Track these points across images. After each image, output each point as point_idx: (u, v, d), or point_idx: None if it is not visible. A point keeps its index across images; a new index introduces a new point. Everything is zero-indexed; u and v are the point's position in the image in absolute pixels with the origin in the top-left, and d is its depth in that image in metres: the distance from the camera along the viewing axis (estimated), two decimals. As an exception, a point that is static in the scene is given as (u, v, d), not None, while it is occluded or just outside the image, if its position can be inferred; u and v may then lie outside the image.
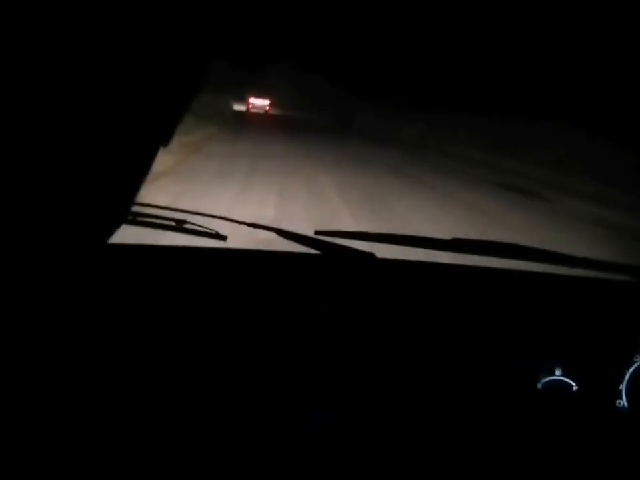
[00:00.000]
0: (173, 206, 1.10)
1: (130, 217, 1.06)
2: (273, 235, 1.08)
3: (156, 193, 5.89)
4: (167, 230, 1.06)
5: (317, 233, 1.08)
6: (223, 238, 1.08)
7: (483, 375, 0.92)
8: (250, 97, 31.67)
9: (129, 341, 0.89)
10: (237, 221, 1.11)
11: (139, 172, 0.59)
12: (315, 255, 1.05)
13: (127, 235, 1.22)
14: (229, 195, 6.19)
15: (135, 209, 1.08)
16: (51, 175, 0.50)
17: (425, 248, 1.06)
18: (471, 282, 1.08)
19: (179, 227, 1.07)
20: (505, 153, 13.97)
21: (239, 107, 29.10)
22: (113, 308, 0.92)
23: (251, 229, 1.11)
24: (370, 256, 1.05)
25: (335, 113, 31.83)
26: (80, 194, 0.55)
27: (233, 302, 0.96)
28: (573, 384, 0.93)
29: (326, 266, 1.07)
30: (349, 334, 0.94)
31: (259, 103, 31.68)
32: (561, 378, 0.93)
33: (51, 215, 0.54)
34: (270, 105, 32.15)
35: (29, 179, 0.48)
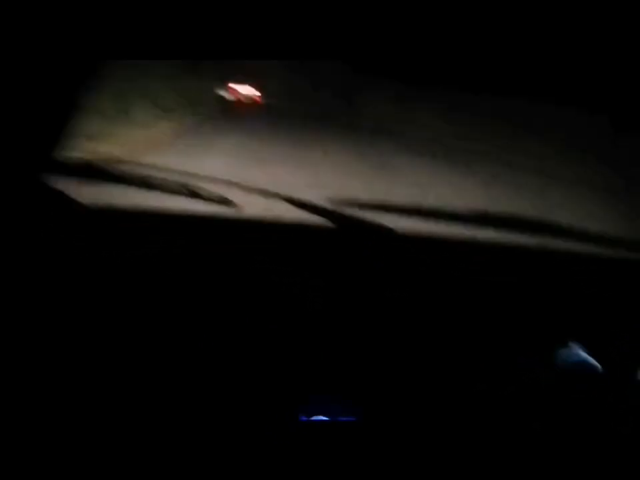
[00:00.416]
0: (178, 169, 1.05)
1: (134, 179, 1.00)
2: (285, 203, 1.03)
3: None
4: (175, 195, 1.01)
5: (331, 201, 1.03)
6: (233, 205, 1.03)
7: (499, 348, 0.90)
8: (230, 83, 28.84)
9: (123, 307, 0.86)
10: (248, 188, 1.06)
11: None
12: (329, 226, 1.00)
13: (130, 197, 1.18)
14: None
15: (139, 170, 1.02)
16: None
17: (444, 220, 1.03)
18: (487, 256, 1.05)
19: (188, 192, 1.01)
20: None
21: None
22: (112, 271, 0.88)
23: (263, 196, 1.06)
24: (386, 229, 1.01)
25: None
26: None
27: (241, 275, 0.92)
28: (589, 358, 0.90)
29: (339, 236, 1.02)
30: (363, 311, 0.90)
31: (246, 91, 28.47)
32: (577, 352, 0.90)
33: None
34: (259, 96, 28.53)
35: None
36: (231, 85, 28.13)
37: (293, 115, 15.73)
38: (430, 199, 5.27)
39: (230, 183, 1.06)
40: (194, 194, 1.01)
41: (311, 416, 0.83)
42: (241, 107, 24.08)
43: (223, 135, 8.53)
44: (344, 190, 5.03)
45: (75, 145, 0.90)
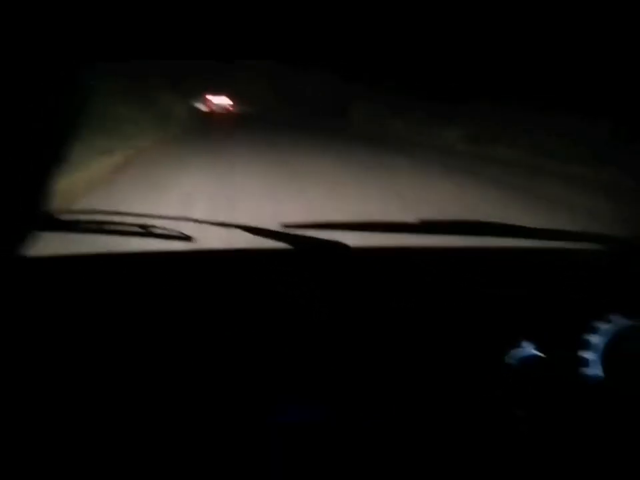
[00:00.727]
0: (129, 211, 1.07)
1: (92, 227, 1.03)
2: (240, 231, 1.06)
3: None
4: (132, 236, 1.03)
5: (285, 226, 1.06)
6: (189, 239, 1.06)
7: (452, 351, 0.93)
8: (206, 95, 28.25)
9: (101, 351, 0.87)
10: (202, 221, 1.09)
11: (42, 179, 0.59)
12: (285, 248, 1.03)
13: (87, 243, 1.20)
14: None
15: (95, 217, 1.05)
16: None
17: (394, 232, 1.06)
18: (439, 262, 1.08)
19: (144, 231, 1.04)
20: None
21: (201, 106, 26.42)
22: (83, 317, 0.90)
23: (216, 227, 1.09)
24: (340, 245, 1.04)
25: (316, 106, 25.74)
26: None
27: (204, 303, 0.94)
28: (541, 355, 0.93)
29: (296, 259, 1.05)
30: (325, 327, 0.93)
31: (219, 101, 26.85)
32: (529, 350, 0.94)
33: None
34: (232, 105, 26.99)
35: None
36: (207, 96, 27.57)
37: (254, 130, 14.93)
38: (381, 214, 5.23)
39: (185, 219, 1.09)
40: (151, 233, 1.04)
41: (288, 418, 0.87)
42: (215, 116, 23.78)
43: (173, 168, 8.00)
44: (298, 214, 4.97)
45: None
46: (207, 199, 5.53)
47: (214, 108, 26.45)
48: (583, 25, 0.84)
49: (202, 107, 25.85)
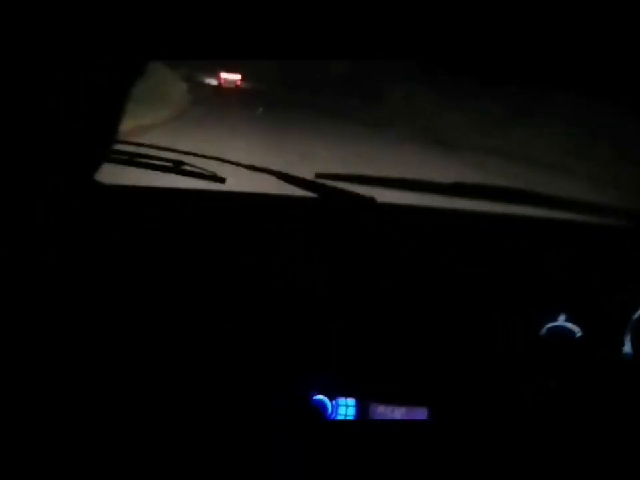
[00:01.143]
0: (170, 146, 1.07)
1: (125, 157, 1.03)
2: (272, 177, 1.06)
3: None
4: (164, 171, 1.03)
5: (317, 175, 1.06)
6: (221, 180, 1.06)
7: (485, 322, 0.92)
8: (220, 72, 30.80)
9: (118, 287, 0.88)
10: (235, 163, 1.09)
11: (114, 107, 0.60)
12: (315, 198, 1.03)
13: (122, 175, 1.20)
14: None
15: (130, 149, 1.05)
16: (28, 117, 0.50)
17: (426, 192, 1.06)
18: (473, 227, 1.06)
19: (176, 168, 1.04)
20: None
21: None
22: (106, 251, 0.90)
23: (250, 171, 1.09)
24: (370, 200, 1.04)
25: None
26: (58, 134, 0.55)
27: (232, 245, 0.94)
28: (577, 330, 0.93)
29: (325, 210, 1.05)
30: (348, 281, 0.93)
31: (230, 77, 30.89)
32: (565, 324, 0.93)
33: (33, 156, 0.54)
34: (241, 80, 31.27)
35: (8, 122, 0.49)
36: (222, 74, 30.20)
37: (284, 102, 15.90)
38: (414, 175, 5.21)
39: (219, 160, 1.09)
40: (183, 171, 1.04)
41: (313, 394, 0.87)
42: (224, 89, 26.01)
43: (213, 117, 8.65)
44: (330, 165, 5.05)
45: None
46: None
47: (224, 83, 29.47)
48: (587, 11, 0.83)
49: (214, 81, 28.12)
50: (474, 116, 13.79)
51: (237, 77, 30.71)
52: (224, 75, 30.23)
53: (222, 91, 25.62)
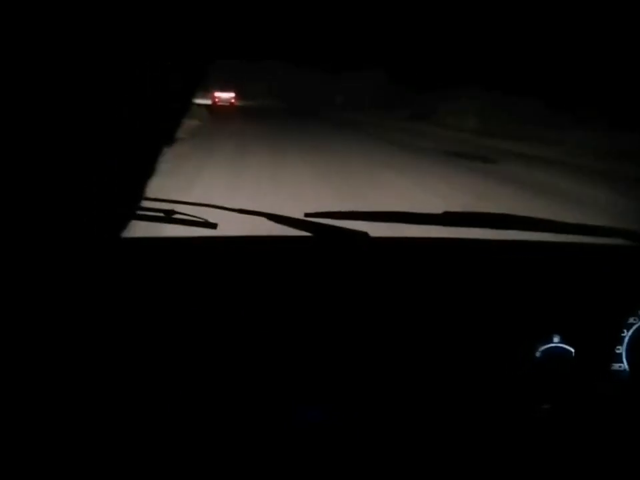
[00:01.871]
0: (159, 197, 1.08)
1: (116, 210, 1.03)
2: (263, 220, 1.07)
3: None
4: (156, 221, 1.04)
5: (307, 215, 1.07)
6: (213, 226, 1.07)
7: (480, 346, 0.93)
8: (214, 91, 31.08)
9: (122, 334, 0.89)
10: (225, 208, 1.10)
11: (144, 167, 0.60)
12: (307, 237, 1.04)
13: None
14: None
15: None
16: (57, 172, 0.50)
17: (417, 223, 1.06)
18: (465, 255, 1.08)
19: (168, 217, 1.05)
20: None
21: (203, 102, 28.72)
22: (106, 302, 0.91)
23: (241, 215, 1.10)
24: (363, 235, 1.05)
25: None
26: (87, 190, 0.55)
27: (227, 289, 0.95)
28: (571, 350, 0.93)
29: (319, 248, 1.06)
30: (345, 315, 0.94)
31: (224, 95, 31.20)
32: (559, 345, 0.93)
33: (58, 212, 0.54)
34: (235, 98, 31.62)
35: (36, 177, 0.49)
36: (215, 92, 30.85)
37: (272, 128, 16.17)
38: (405, 205, 5.27)
39: (209, 206, 1.10)
40: (175, 219, 1.05)
41: (307, 411, 0.88)
42: (218, 107, 26.88)
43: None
44: (321, 203, 5.13)
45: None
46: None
47: (218, 102, 30.40)
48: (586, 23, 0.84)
49: (208, 101, 28.60)
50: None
51: (230, 94, 31.12)
52: (217, 94, 30.64)
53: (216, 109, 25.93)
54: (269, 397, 0.89)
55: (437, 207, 1.14)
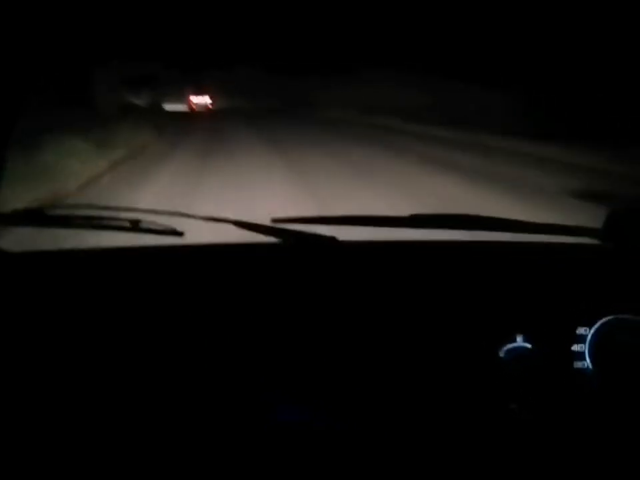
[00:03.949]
0: (123, 206, 1.08)
1: (83, 222, 1.03)
2: (230, 226, 1.07)
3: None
4: (122, 231, 1.03)
5: (274, 220, 1.07)
6: (180, 234, 1.06)
7: (445, 347, 0.93)
8: (190, 95, 30.74)
9: (89, 350, 0.88)
10: (192, 216, 1.09)
11: None
12: (275, 243, 1.04)
13: (80, 239, 1.20)
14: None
15: (86, 212, 1.05)
16: None
17: (384, 226, 1.07)
18: (431, 257, 1.09)
19: (134, 227, 1.04)
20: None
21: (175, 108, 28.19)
22: (72, 314, 0.90)
23: (208, 223, 1.10)
24: (331, 239, 1.05)
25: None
26: None
27: (195, 298, 0.95)
28: (535, 349, 0.94)
29: (287, 254, 1.06)
30: (315, 320, 0.94)
31: (200, 101, 30.84)
32: (523, 344, 0.94)
33: None
34: (212, 103, 31.29)
35: None
36: (191, 96, 30.74)
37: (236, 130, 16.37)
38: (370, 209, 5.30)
39: (175, 214, 1.09)
40: (141, 228, 1.04)
41: (284, 417, 0.88)
42: (195, 112, 27.14)
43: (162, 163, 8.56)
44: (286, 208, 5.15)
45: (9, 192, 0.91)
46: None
47: (195, 107, 30.24)
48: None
49: (184, 107, 28.37)
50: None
51: (207, 99, 30.83)
52: (194, 99, 30.30)
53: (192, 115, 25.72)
54: (245, 400, 0.89)
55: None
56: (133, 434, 0.85)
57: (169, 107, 28.79)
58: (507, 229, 1.06)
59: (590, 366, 0.94)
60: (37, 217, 1.04)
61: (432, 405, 0.92)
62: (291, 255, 1.05)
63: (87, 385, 0.87)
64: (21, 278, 0.94)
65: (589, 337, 0.94)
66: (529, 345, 0.94)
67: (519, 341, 0.94)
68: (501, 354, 0.93)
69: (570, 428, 0.92)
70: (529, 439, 0.90)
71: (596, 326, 0.94)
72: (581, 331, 0.95)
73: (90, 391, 0.86)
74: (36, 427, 0.83)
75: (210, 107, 30.59)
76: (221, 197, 5.87)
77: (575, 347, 0.94)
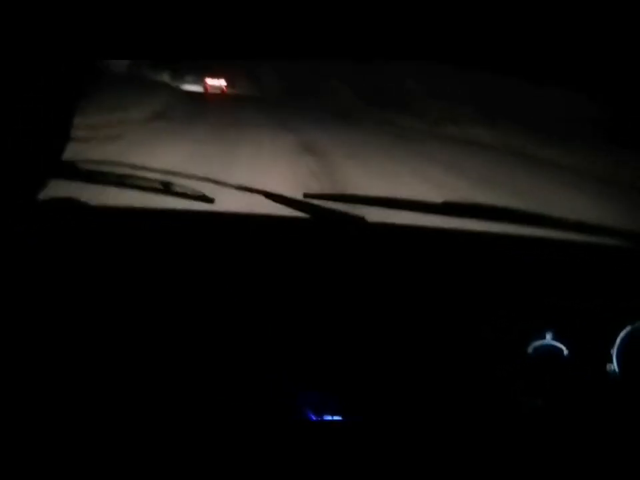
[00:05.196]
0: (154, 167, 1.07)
1: (115, 180, 1.02)
2: (260, 197, 1.06)
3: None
4: (153, 192, 1.03)
5: (305, 195, 1.06)
6: (210, 200, 1.05)
7: (472, 339, 0.92)
8: (206, 78, 30.82)
9: (108, 311, 0.87)
10: (224, 183, 1.08)
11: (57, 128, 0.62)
12: (304, 218, 1.03)
13: (111, 197, 1.19)
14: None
15: (118, 170, 1.04)
16: None
17: (415, 211, 1.06)
18: (461, 246, 1.07)
19: (164, 189, 1.03)
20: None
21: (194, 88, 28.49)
22: (95, 273, 0.89)
23: (239, 191, 1.09)
24: (359, 219, 1.04)
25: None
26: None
27: (220, 266, 0.94)
28: (563, 348, 0.93)
29: (315, 229, 1.05)
30: (338, 299, 0.93)
31: (215, 83, 30.95)
32: (552, 342, 0.93)
33: None
34: (226, 86, 31.39)
35: None
36: (207, 79, 30.86)
37: (265, 108, 16.32)
38: (403, 192, 5.37)
39: (207, 180, 1.08)
40: (171, 192, 1.03)
41: (308, 397, 0.86)
42: (210, 95, 26.70)
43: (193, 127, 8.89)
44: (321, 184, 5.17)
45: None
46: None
47: (209, 89, 30.16)
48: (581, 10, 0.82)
49: (200, 88, 28.24)
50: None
51: (222, 82, 30.91)
52: (209, 81, 30.38)
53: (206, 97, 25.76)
54: (266, 381, 0.87)
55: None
56: (149, 413, 0.84)
57: (187, 87, 28.97)
58: (544, 225, 1.04)
59: (617, 369, 0.93)
60: (69, 170, 1.03)
61: (455, 396, 0.91)
62: (319, 231, 1.04)
63: (113, 354, 0.85)
64: (46, 229, 0.93)
65: (618, 340, 0.93)
66: (558, 344, 0.93)
67: (548, 338, 0.93)
68: (529, 350, 0.93)
69: (593, 427, 0.91)
70: (552, 435, 0.89)
71: (626, 329, 0.93)
72: (610, 332, 0.94)
73: (113, 361, 0.85)
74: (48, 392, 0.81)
75: (225, 89, 30.66)
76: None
77: (604, 349, 0.93)
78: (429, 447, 0.87)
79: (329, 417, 0.86)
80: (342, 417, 0.86)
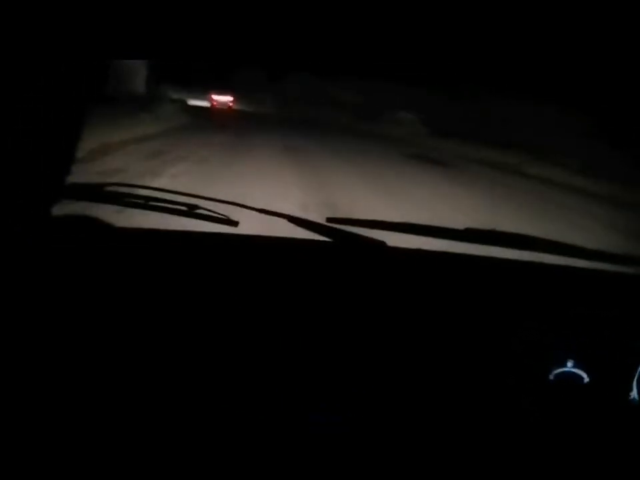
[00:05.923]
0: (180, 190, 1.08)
1: (141, 202, 1.03)
2: (284, 221, 1.07)
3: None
4: (178, 215, 1.04)
5: (328, 220, 1.07)
6: (235, 224, 1.06)
7: (494, 365, 0.92)
8: (212, 94, 30.96)
9: (130, 329, 0.88)
10: (248, 207, 1.10)
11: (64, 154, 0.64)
12: (327, 242, 1.04)
13: (136, 220, 1.20)
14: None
15: (144, 193, 1.06)
16: None
17: (437, 237, 1.07)
18: (482, 272, 1.07)
19: (191, 211, 1.04)
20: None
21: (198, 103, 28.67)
22: (119, 293, 0.90)
23: (262, 215, 1.10)
24: (381, 244, 1.05)
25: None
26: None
27: (244, 288, 0.95)
28: (584, 376, 0.93)
29: (337, 253, 1.06)
30: (359, 323, 0.94)
31: (222, 99, 31.09)
32: (572, 370, 0.93)
33: None
34: (233, 101, 31.55)
35: None
36: (213, 95, 30.94)
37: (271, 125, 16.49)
38: (424, 216, 5.42)
39: (232, 204, 1.10)
40: (197, 214, 1.05)
41: (318, 419, 0.87)
42: (216, 110, 27.44)
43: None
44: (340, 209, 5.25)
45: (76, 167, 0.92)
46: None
47: (216, 104, 30.36)
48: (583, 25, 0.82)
49: (206, 103, 28.68)
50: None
51: (229, 98, 31.03)
52: (215, 97, 30.50)
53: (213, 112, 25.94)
54: (279, 399, 0.88)
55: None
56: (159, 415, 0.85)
57: (193, 102, 29.10)
58: (563, 253, 1.04)
59: (637, 397, 0.93)
60: (95, 192, 1.05)
61: (476, 421, 0.91)
62: (341, 255, 1.05)
63: (132, 361, 0.87)
64: (69, 253, 0.95)
65: None
66: (579, 371, 0.93)
67: (569, 365, 0.93)
68: (551, 377, 0.93)
69: (611, 455, 0.91)
70: (571, 462, 0.89)
71: None
72: (631, 361, 0.94)
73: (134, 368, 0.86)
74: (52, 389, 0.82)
75: (230, 104, 30.73)
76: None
77: (625, 377, 0.94)
78: (442, 466, 0.87)
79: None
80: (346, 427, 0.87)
